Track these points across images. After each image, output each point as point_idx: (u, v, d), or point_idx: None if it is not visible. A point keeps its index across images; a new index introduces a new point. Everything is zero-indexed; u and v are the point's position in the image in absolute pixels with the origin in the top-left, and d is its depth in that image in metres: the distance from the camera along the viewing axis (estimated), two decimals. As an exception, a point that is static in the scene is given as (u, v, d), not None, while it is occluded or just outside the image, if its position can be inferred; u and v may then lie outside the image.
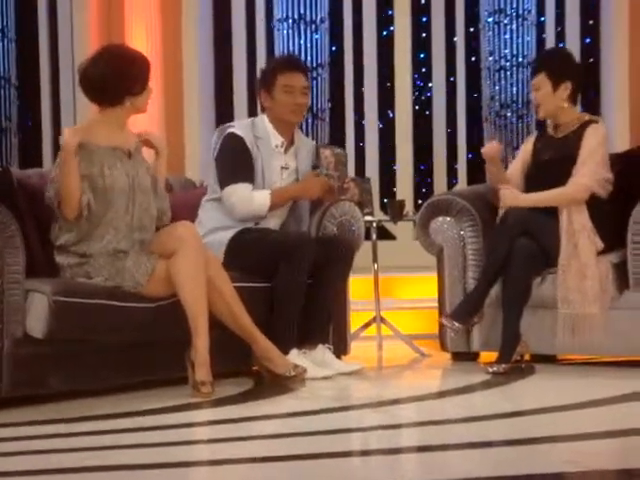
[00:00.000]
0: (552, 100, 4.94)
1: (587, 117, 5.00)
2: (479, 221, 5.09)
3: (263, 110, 5.01)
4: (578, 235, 4.77)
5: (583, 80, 5.07)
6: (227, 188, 4.79)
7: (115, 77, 4.34)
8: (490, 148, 5.06)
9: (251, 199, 4.77)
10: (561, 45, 8.47)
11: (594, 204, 4.86)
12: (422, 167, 8.62)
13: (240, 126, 4.91)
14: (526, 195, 4.94)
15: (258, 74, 5.09)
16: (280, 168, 4.92)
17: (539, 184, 4.92)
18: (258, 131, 4.88)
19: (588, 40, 8.51)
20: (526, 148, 5.13)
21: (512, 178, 5.05)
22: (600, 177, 4.85)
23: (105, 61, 4.38)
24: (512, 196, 4.90)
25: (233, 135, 4.84)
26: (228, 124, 5.00)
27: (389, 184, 8.51)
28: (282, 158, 4.92)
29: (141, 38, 8.14)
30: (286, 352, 4.61)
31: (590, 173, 4.83)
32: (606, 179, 4.89)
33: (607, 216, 4.86)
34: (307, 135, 8.45)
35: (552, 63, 4.99)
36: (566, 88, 4.94)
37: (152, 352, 4.38)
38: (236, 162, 4.81)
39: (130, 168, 4.41)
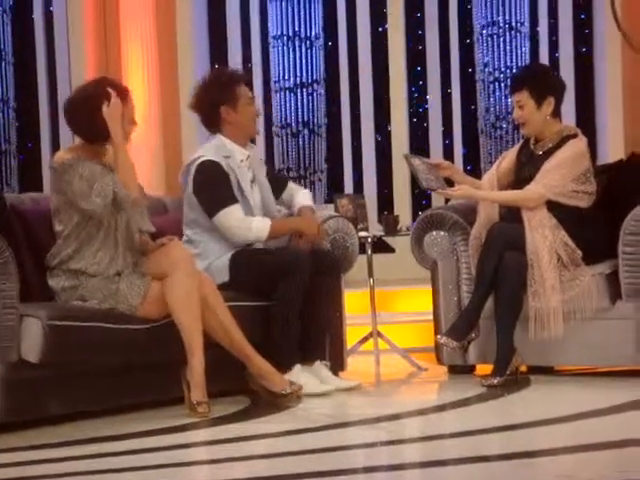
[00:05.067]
0: (537, 117, 4.97)
1: (566, 132, 5.02)
2: (472, 234, 5.12)
3: (213, 129, 4.89)
4: (534, 232, 4.82)
5: (563, 93, 5.10)
6: (219, 214, 4.75)
7: (89, 119, 4.34)
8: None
9: (249, 224, 4.76)
10: (557, 55, 8.51)
11: (572, 211, 4.89)
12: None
13: (207, 152, 4.83)
14: (479, 192, 5.03)
15: (205, 92, 4.88)
16: (250, 182, 4.92)
17: None
18: (223, 151, 4.84)
19: (584, 49, 8.54)
20: (509, 156, 5.16)
21: (488, 185, 5.10)
22: (564, 190, 4.88)
23: (75, 106, 4.39)
24: (467, 192, 4.97)
25: (207, 162, 4.78)
26: (192, 156, 4.88)
27: (388, 198, 8.53)
28: (248, 173, 4.92)
29: (137, 58, 8.18)
30: (289, 369, 4.62)
31: (548, 184, 4.87)
32: (581, 191, 4.91)
33: (591, 227, 4.90)
34: (304, 152, 8.51)
35: (534, 80, 5.01)
36: (549, 104, 4.97)
37: (148, 373, 4.38)
38: (220, 187, 4.77)
39: (117, 186, 4.39)
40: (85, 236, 4.37)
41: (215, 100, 4.86)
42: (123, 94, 4.41)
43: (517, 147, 5.20)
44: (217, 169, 4.79)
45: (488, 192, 5.06)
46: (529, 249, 4.81)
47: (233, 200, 4.78)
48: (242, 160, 4.87)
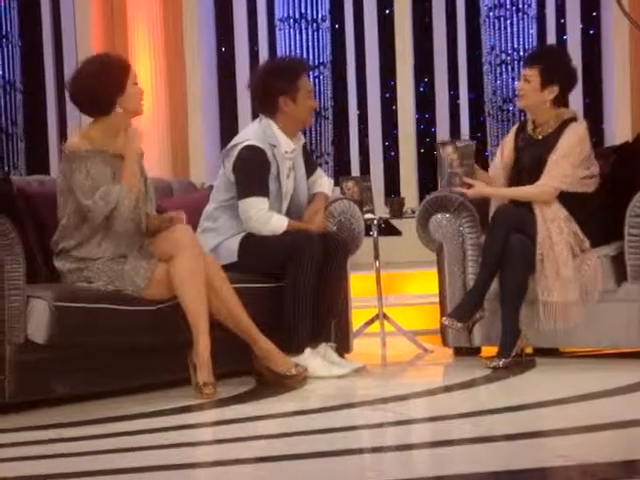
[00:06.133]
0: (536, 97, 4.96)
1: (566, 115, 5.00)
2: (477, 217, 5.13)
3: (268, 114, 4.92)
4: (550, 225, 4.81)
5: (572, 85, 5.08)
6: (246, 200, 4.78)
7: (94, 86, 4.37)
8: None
9: (268, 219, 4.77)
10: (564, 37, 8.48)
11: (580, 199, 4.89)
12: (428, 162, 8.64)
13: (255, 137, 4.84)
14: (494, 189, 5.00)
15: (266, 78, 4.91)
16: (288, 170, 4.94)
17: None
18: (271, 139, 4.86)
19: (592, 31, 8.51)
20: (508, 145, 5.14)
21: (495, 177, 5.09)
22: (575, 178, 4.88)
23: (82, 76, 4.43)
24: (480, 190, 4.96)
25: (252, 147, 4.80)
26: (239, 138, 4.90)
27: (394, 180, 8.53)
28: (288, 163, 4.94)
29: (144, 40, 8.18)
30: (299, 351, 4.64)
31: (560, 175, 4.87)
32: (587, 176, 4.92)
33: (597, 210, 4.90)
34: (310, 134, 8.50)
35: (548, 62, 5.00)
36: (552, 91, 4.96)
37: (154, 354, 4.41)
38: (257, 175, 4.80)
39: (120, 194, 4.41)
40: (87, 231, 4.38)
41: (275, 89, 4.86)
42: (125, 74, 4.43)
43: (513, 132, 5.16)
44: (260, 156, 4.81)
45: (502, 189, 5.01)
46: (542, 242, 4.78)
47: (263, 192, 4.79)
48: (287, 152, 4.88)
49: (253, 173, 4.81)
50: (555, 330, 4.85)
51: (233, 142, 4.92)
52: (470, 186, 4.95)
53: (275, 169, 4.85)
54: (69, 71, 8.24)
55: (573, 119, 4.99)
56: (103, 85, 4.37)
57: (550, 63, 5.01)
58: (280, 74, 4.88)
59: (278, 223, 4.80)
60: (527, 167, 4.98)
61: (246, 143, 4.83)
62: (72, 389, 4.23)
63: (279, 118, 4.88)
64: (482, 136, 8.48)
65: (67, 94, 4.52)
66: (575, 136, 4.91)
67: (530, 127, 5.06)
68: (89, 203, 4.31)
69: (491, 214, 5.03)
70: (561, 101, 5.01)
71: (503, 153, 5.13)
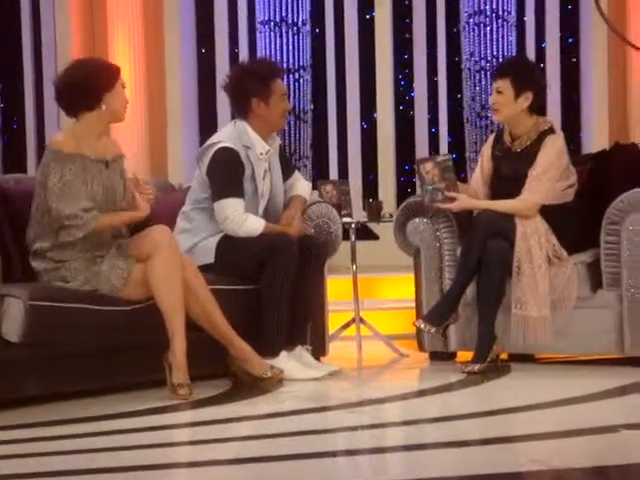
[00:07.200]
0: (512, 107, 4.98)
1: (542, 126, 5.00)
2: (455, 222, 5.14)
3: (242, 116, 4.93)
4: (530, 239, 4.83)
5: (544, 91, 5.11)
6: (221, 202, 4.79)
7: (84, 78, 4.40)
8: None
9: (244, 220, 4.77)
10: (543, 45, 8.53)
11: (558, 208, 4.91)
12: (406, 167, 8.66)
13: (229, 139, 4.85)
14: (478, 201, 5.02)
15: (239, 80, 4.92)
16: (263, 172, 4.94)
17: (501, 199, 4.98)
18: (246, 141, 4.86)
19: (571, 39, 8.56)
20: (485, 154, 5.15)
21: (477, 188, 5.10)
22: (556, 192, 4.90)
23: (73, 69, 4.46)
24: (465, 204, 4.97)
25: (226, 149, 4.81)
26: (214, 138, 4.90)
27: (373, 184, 8.55)
28: (264, 164, 4.94)
29: (124, 39, 8.17)
30: (275, 354, 4.64)
31: (541, 190, 4.88)
32: (567, 186, 4.94)
33: (574, 217, 4.92)
34: (289, 138, 8.51)
35: (517, 71, 5.02)
36: (527, 98, 4.97)
37: (129, 355, 4.40)
38: (231, 177, 4.81)
39: (106, 179, 4.44)
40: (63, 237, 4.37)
41: (248, 91, 4.87)
42: (116, 74, 4.47)
43: (490, 142, 5.17)
44: (234, 158, 4.81)
45: (485, 201, 5.02)
46: (520, 255, 4.79)
47: (238, 193, 4.80)
48: (261, 153, 4.88)
49: (227, 175, 4.82)
50: (528, 340, 4.85)
51: (208, 142, 4.93)
52: (453, 200, 4.96)
53: (250, 170, 4.85)
54: (48, 69, 8.35)
55: (550, 130, 5.00)
56: (92, 79, 4.40)
57: (520, 71, 5.03)
58: (253, 76, 4.89)
59: (254, 225, 4.80)
60: (506, 178, 5.00)
61: (220, 145, 4.84)
62: (46, 389, 4.21)
63: (252, 120, 4.89)
64: (460, 142, 8.51)
65: (53, 90, 4.50)
66: (553, 151, 4.92)
67: (508, 139, 5.05)
68: (53, 206, 4.30)
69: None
70: (535, 108, 5.03)
71: (482, 163, 5.14)
